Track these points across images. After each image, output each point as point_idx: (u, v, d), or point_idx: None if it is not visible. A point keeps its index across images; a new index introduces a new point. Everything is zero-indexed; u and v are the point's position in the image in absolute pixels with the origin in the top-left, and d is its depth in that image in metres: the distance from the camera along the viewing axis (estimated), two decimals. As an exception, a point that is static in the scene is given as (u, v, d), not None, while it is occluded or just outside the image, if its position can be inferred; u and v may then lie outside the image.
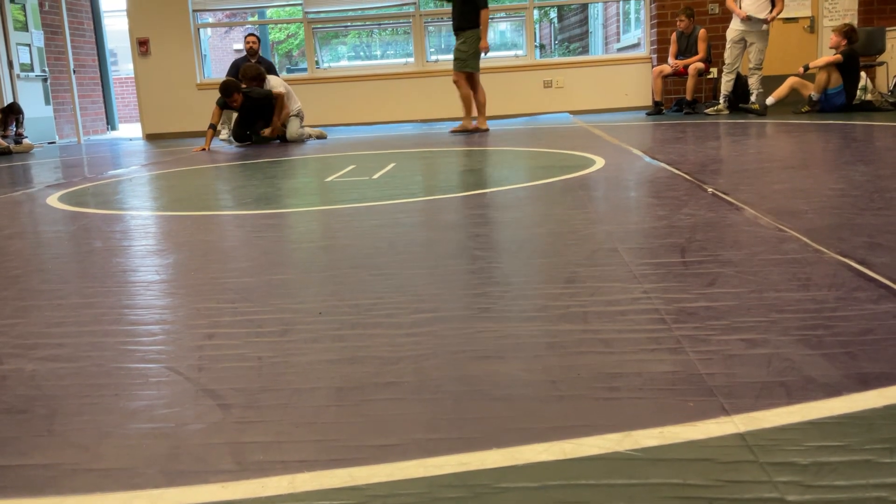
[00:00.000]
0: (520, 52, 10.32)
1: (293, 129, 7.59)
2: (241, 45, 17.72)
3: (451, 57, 7.65)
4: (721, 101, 7.93)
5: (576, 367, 1.18)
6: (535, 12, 10.26)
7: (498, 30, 15.57)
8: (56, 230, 2.90)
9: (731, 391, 1.07)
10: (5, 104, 9.34)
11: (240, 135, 7.59)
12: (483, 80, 9.81)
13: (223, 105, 7.40)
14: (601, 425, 0.98)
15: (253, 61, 8.20)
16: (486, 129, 7.37)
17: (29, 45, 10.78)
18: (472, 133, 7.24)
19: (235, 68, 8.30)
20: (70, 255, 2.36)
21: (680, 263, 1.80)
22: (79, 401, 1.16)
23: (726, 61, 7.83)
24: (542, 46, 15.79)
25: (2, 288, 1.93)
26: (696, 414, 1.01)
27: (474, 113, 7.50)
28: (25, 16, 10.77)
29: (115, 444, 1.00)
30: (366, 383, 1.17)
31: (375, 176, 4.10)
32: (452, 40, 7.53)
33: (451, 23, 7.47)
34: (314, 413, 1.07)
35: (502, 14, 12.58)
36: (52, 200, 3.78)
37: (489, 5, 7.27)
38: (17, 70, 10.41)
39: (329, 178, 4.19)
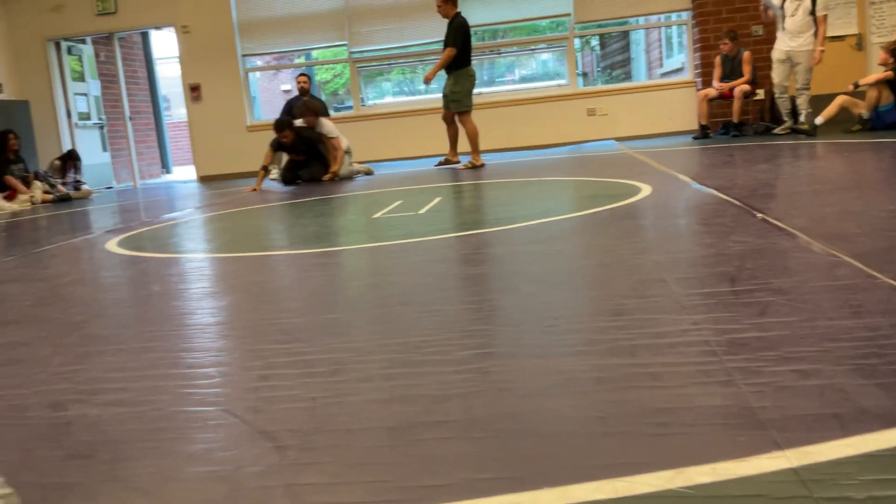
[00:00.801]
0: (562, 82, 10.35)
1: (344, 166, 7.76)
2: (288, 87, 18.15)
3: (500, 88, 7.78)
4: (786, 118, 7.86)
5: (625, 403, 1.18)
6: (577, 41, 10.31)
7: (539, 59, 15.66)
8: (115, 275, 2.99)
9: (783, 424, 1.06)
10: (64, 152, 9.70)
11: (289, 178, 7.77)
12: (526, 110, 9.82)
13: (276, 146, 7.63)
14: (652, 462, 0.98)
15: (305, 100, 8.51)
16: (482, 164, 7.49)
17: (86, 95, 11.21)
18: (457, 167, 7.55)
19: (289, 107, 8.63)
20: (129, 300, 2.44)
21: (730, 293, 1.79)
22: (141, 445, 1.20)
23: (775, 81, 7.75)
24: (584, 74, 15.81)
25: (65, 335, 2.01)
26: (749, 449, 1.00)
27: (463, 147, 7.76)
28: (82, 66, 11.21)
29: (176, 488, 1.04)
30: (416, 422, 1.19)
31: (422, 211, 4.14)
32: (486, 72, 7.62)
33: (489, 56, 7.63)
34: (367, 454, 1.09)
35: (543, 45, 12.66)
36: (112, 245, 3.90)
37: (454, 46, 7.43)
38: (74, 119, 10.82)
39: (377, 215, 4.25)
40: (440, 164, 7.89)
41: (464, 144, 7.79)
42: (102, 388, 1.51)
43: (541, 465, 1.00)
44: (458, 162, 7.79)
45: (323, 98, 11.81)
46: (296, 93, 8.97)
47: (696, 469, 0.96)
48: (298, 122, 7.71)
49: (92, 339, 1.93)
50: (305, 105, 7.79)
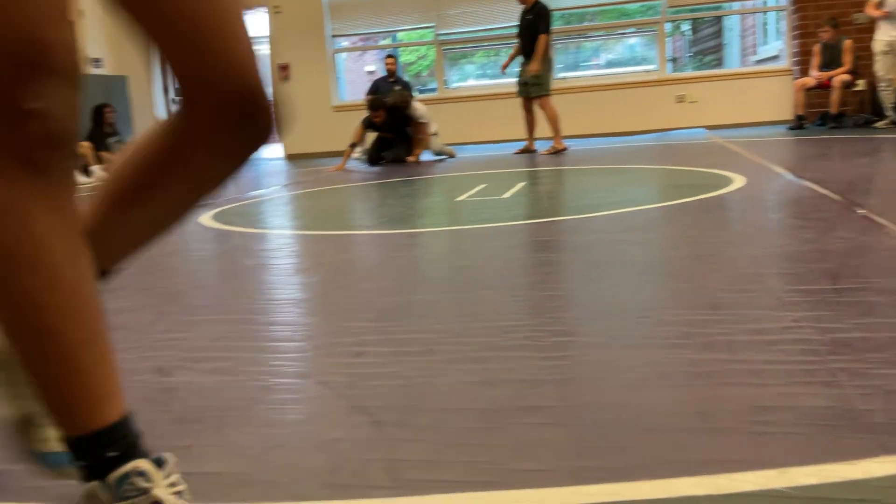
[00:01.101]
0: (651, 67, 10.13)
1: (435, 145, 7.82)
2: (373, 68, 18.32)
3: (586, 72, 7.73)
4: (889, 112, 7.52)
5: (725, 399, 1.16)
6: (668, 25, 10.06)
7: (627, 44, 15.34)
8: (210, 248, 3.10)
9: (892, 428, 1.02)
10: (160, 127, 10.05)
11: (374, 157, 7.87)
12: (613, 95, 9.70)
13: (367, 125, 7.76)
14: (754, 461, 0.96)
15: (390, 80, 8.73)
16: (535, 150, 7.65)
17: (181, 72, 11.56)
18: (539, 153, 7.54)
19: (375, 87, 8.82)
20: (225, 273, 2.52)
21: (832, 290, 1.73)
22: (244, 413, 1.25)
23: (878, 74, 7.41)
24: (674, 60, 15.42)
25: (168, 303, 2.09)
26: (856, 452, 0.97)
27: (540, 134, 7.78)
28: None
29: (280, 455, 1.08)
30: (510, 406, 1.20)
31: (506, 195, 4.13)
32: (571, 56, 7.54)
33: (574, 40, 7.63)
34: (463, 434, 1.10)
35: (632, 29, 12.40)
36: (205, 219, 4.04)
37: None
38: (171, 95, 11.19)
39: (460, 198, 4.26)
40: (519, 151, 7.86)
41: (542, 130, 7.74)
42: (205, 356, 1.58)
43: (639, 457, 0.99)
44: (536, 150, 7.75)
45: (406, 80, 11.87)
46: (381, 74, 9.09)
47: (800, 470, 0.94)
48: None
49: (193, 309, 2.01)
50: (402, 96, 7.79)
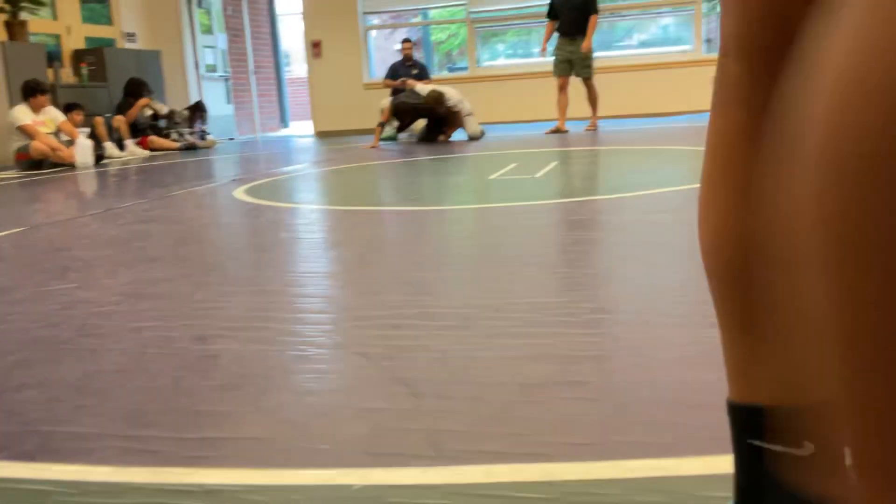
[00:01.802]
0: (687, 48, 9.98)
1: (473, 128, 7.74)
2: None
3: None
4: None
5: (769, 378, 1.14)
6: (704, 5, 9.88)
7: (661, 24, 15.11)
8: (244, 221, 3.12)
9: None
10: (192, 102, 10.12)
11: (429, 138, 7.84)
12: (647, 76, 9.63)
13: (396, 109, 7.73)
14: (802, 439, 0.95)
15: (408, 64, 8.77)
16: (567, 131, 7.75)
17: (214, 47, 11.62)
18: (566, 133, 7.63)
19: (393, 71, 8.79)
20: (259, 246, 2.53)
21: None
22: (284, 380, 1.25)
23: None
24: (709, 41, 15.18)
25: (204, 274, 2.11)
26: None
27: (570, 114, 7.87)
28: (211, 19, 11.62)
29: (322, 422, 1.08)
30: (550, 381, 1.19)
31: (538, 175, 4.10)
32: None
33: (608, 19, 7.63)
34: (504, 407, 1.10)
35: (668, 8, 12.21)
36: (238, 193, 4.06)
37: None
38: (202, 70, 11.25)
39: (492, 176, 4.24)
40: (551, 132, 7.85)
41: (576, 110, 7.70)
42: (243, 325, 1.59)
43: (684, 434, 0.98)
44: (567, 130, 7.77)
45: (436, 60, 11.79)
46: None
47: (849, 451, 0.92)
48: (426, 88, 7.70)
49: (230, 280, 2.02)
50: (435, 97, 7.59)
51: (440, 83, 9.77)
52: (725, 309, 0.60)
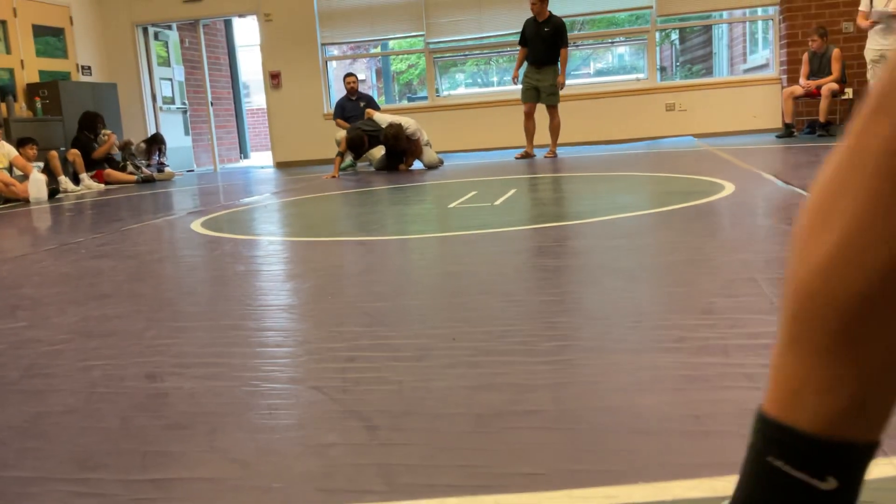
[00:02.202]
0: (640, 76, 10.18)
1: (430, 157, 7.75)
2: (363, 76, 18.34)
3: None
4: None
5: (721, 402, 1.16)
6: (657, 34, 10.10)
7: (616, 53, 15.41)
8: (200, 254, 3.08)
9: (889, 432, 1.02)
10: (149, 135, 10.02)
11: (389, 166, 7.82)
12: (603, 104, 9.81)
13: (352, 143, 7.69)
14: (751, 463, 0.96)
15: (353, 99, 8.82)
16: (535, 156, 8.01)
17: (171, 79, 11.55)
18: (533, 158, 7.93)
19: (341, 109, 8.84)
20: (215, 279, 2.50)
21: (824, 295, 1.73)
22: (236, 418, 1.23)
23: (871, 83, 7.46)
24: (662, 69, 15.50)
25: (157, 309, 2.08)
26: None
27: (541, 142, 8.18)
28: (168, 52, 11.56)
29: (273, 461, 1.06)
30: (505, 411, 1.19)
31: (497, 202, 4.13)
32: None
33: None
34: (457, 438, 1.09)
35: (621, 38, 12.46)
36: (195, 226, 4.02)
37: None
38: (159, 103, 11.16)
39: (452, 205, 4.26)
40: (520, 157, 8.06)
41: (541, 137, 7.87)
42: (195, 362, 1.56)
43: (636, 460, 0.99)
44: (535, 155, 8.01)
45: (396, 90, 11.87)
46: (370, 84, 9.08)
47: (797, 473, 0.93)
48: (385, 119, 7.68)
49: (183, 315, 1.99)
50: (394, 131, 7.44)
51: (400, 112, 9.82)
52: (810, 327, 0.56)
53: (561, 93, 8.05)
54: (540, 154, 8.07)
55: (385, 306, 1.94)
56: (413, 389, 1.31)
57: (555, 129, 8.04)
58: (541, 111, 8.00)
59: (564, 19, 8.22)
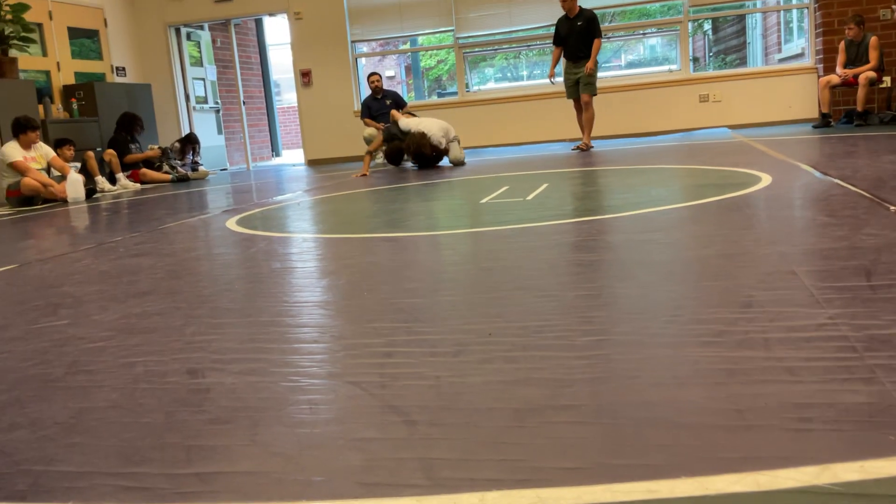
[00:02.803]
0: (673, 67, 10.07)
1: (456, 154, 7.73)
2: (392, 73, 18.37)
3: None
4: None
5: (761, 396, 1.15)
6: (689, 25, 9.98)
7: (648, 44, 15.25)
8: (236, 252, 3.12)
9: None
10: (183, 135, 10.15)
11: (395, 160, 7.92)
12: (635, 95, 9.75)
13: (388, 136, 7.78)
14: (795, 457, 0.95)
15: (379, 97, 8.91)
16: (592, 147, 8.16)
17: (203, 79, 11.68)
18: (576, 149, 8.07)
19: (367, 108, 8.94)
20: (252, 276, 2.53)
21: (867, 287, 1.70)
22: (276, 413, 1.25)
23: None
24: (695, 60, 15.32)
25: (196, 306, 2.11)
26: (899, 449, 0.95)
27: (572, 134, 8.55)
28: (200, 52, 11.69)
29: (314, 455, 1.07)
30: (543, 405, 1.19)
31: (529, 197, 4.12)
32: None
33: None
34: (496, 433, 1.10)
35: (653, 29, 12.33)
36: (230, 224, 4.06)
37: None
38: (192, 102, 11.30)
39: (484, 200, 4.25)
40: (576, 149, 8.10)
41: (569, 131, 7.83)
42: (235, 357, 1.58)
43: (677, 455, 0.98)
44: (592, 147, 8.13)
45: (426, 85, 11.87)
46: (400, 80, 9.12)
47: (842, 466, 0.92)
48: (410, 124, 7.71)
49: (221, 312, 2.02)
50: (418, 141, 7.48)
51: (430, 109, 9.84)
52: None
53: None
54: (569, 147, 8.20)
55: (420, 302, 1.95)
56: (450, 385, 1.32)
57: (588, 121, 8.13)
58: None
59: (596, 11, 8.23)
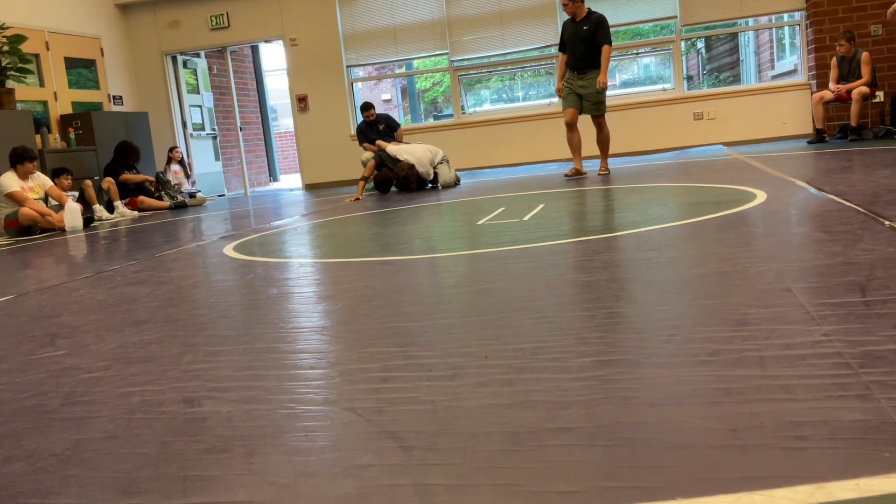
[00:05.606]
0: (667, 86, 10.14)
1: (446, 177, 7.80)
2: (389, 96, 18.48)
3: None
4: None
5: (757, 415, 1.15)
6: (682, 44, 10.06)
7: (642, 64, 15.36)
8: (234, 278, 3.12)
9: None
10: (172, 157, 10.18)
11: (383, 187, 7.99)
12: (630, 115, 9.70)
13: (380, 162, 7.85)
14: (791, 476, 0.95)
15: (371, 122, 8.86)
16: (585, 174, 7.16)
17: (200, 106, 11.75)
18: (584, 176, 7.04)
19: (363, 135, 8.93)
20: (249, 303, 2.53)
21: (861, 303, 1.71)
22: (273, 441, 1.25)
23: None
24: (689, 78, 15.42)
25: (193, 334, 2.11)
26: (894, 465, 0.95)
27: (562, 155, 7.81)
28: (196, 79, 11.76)
29: (310, 483, 1.07)
30: (539, 428, 1.19)
31: (526, 218, 4.13)
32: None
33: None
34: (492, 457, 1.10)
35: (646, 49, 12.42)
36: (228, 250, 4.07)
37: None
38: (189, 129, 11.35)
39: (481, 221, 4.26)
40: (570, 174, 7.13)
41: (587, 149, 7.26)
42: (232, 385, 1.58)
43: (674, 476, 0.98)
44: (586, 173, 7.15)
45: (422, 108, 11.93)
46: (396, 103, 9.18)
47: (838, 484, 0.92)
48: (400, 151, 7.80)
49: (218, 339, 2.02)
50: (405, 172, 7.61)
51: (425, 133, 9.88)
52: None
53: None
54: (563, 170, 7.73)
55: (416, 326, 1.95)
56: (447, 409, 1.32)
57: (604, 142, 7.15)
58: (584, 122, 7.20)
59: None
